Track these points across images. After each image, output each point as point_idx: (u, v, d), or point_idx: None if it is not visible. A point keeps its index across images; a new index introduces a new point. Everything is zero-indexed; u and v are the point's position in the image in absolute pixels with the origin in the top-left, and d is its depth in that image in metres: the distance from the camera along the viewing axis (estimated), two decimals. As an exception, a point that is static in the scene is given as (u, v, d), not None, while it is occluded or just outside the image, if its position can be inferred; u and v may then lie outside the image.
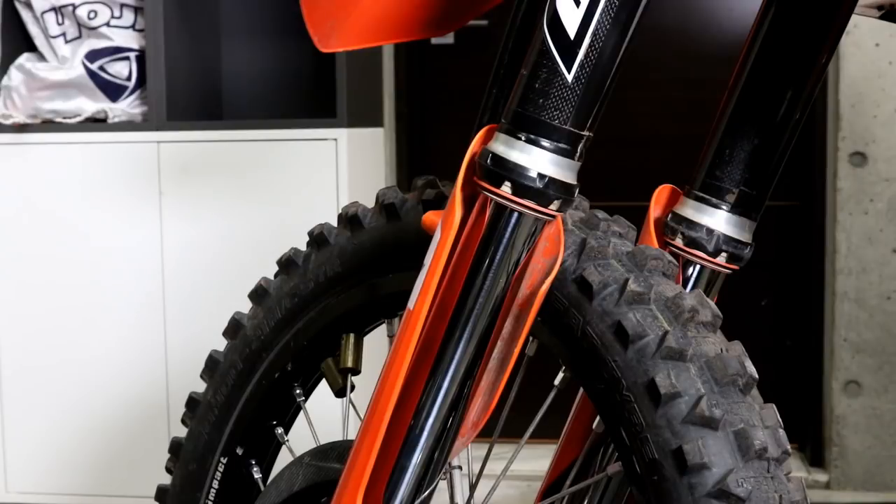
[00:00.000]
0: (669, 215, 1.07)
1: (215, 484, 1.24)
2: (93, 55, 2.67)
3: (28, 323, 2.66)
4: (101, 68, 2.67)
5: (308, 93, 2.95)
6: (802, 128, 1.06)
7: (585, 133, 0.88)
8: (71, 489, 2.69)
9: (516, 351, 0.91)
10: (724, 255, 1.04)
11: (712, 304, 0.92)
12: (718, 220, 1.04)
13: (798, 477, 0.89)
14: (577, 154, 0.89)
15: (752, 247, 1.06)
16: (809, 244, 3.03)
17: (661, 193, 1.09)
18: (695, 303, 0.90)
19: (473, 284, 0.90)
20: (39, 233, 2.65)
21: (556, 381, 1.03)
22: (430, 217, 0.99)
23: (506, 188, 0.87)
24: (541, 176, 0.87)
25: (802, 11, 1.02)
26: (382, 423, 0.92)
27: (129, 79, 2.68)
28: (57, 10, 2.67)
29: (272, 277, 1.23)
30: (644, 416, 0.86)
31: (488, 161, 0.88)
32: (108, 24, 2.66)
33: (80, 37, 2.69)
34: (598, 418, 1.09)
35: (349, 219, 1.14)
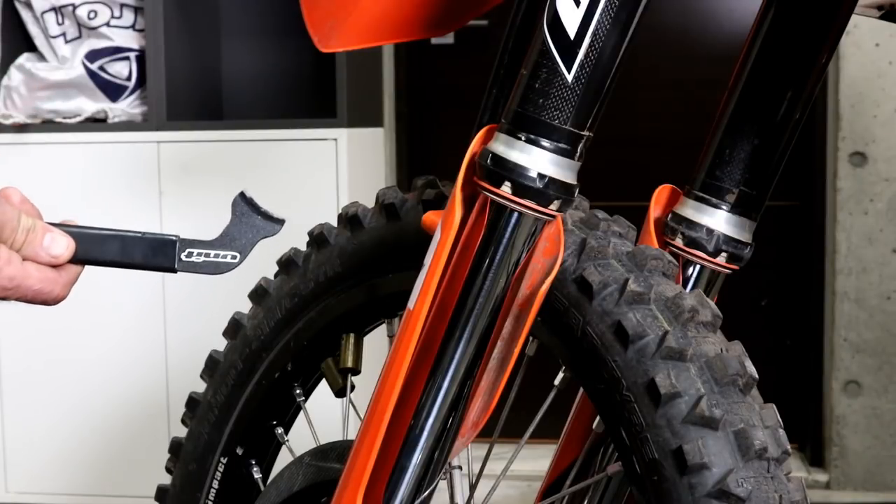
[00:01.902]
0: (669, 215, 1.07)
1: (215, 484, 1.24)
2: (93, 55, 2.66)
3: (28, 323, 2.66)
4: (101, 68, 2.67)
5: (308, 93, 2.94)
6: (802, 128, 1.05)
7: (585, 133, 0.88)
8: (71, 489, 2.69)
9: (516, 351, 0.91)
10: (724, 255, 1.04)
11: (712, 304, 0.92)
12: (718, 220, 1.04)
13: (798, 477, 0.89)
14: (577, 154, 0.88)
15: (752, 247, 1.06)
16: (809, 244, 3.03)
17: (661, 193, 1.09)
18: (695, 303, 0.90)
19: (473, 284, 0.90)
20: (39, 233, 2.64)
21: (556, 381, 1.03)
22: (430, 217, 0.99)
23: (506, 188, 0.87)
24: (541, 176, 0.87)
25: (802, 11, 1.02)
26: (382, 423, 0.92)
27: (129, 79, 2.68)
28: (57, 10, 2.67)
29: (272, 277, 1.23)
30: (644, 416, 0.86)
31: (488, 161, 0.88)
32: (108, 24, 2.66)
33: (80, 37, 2.69)
34: (598, 418, 1.09)
35: (349, 219, 1.14)
